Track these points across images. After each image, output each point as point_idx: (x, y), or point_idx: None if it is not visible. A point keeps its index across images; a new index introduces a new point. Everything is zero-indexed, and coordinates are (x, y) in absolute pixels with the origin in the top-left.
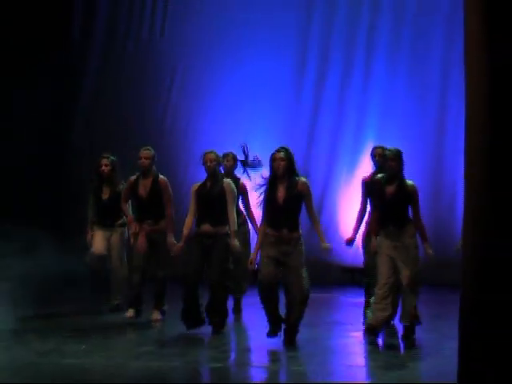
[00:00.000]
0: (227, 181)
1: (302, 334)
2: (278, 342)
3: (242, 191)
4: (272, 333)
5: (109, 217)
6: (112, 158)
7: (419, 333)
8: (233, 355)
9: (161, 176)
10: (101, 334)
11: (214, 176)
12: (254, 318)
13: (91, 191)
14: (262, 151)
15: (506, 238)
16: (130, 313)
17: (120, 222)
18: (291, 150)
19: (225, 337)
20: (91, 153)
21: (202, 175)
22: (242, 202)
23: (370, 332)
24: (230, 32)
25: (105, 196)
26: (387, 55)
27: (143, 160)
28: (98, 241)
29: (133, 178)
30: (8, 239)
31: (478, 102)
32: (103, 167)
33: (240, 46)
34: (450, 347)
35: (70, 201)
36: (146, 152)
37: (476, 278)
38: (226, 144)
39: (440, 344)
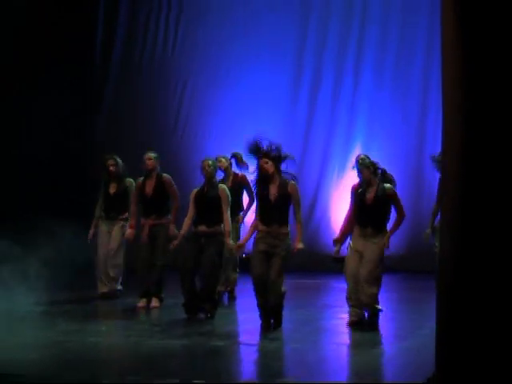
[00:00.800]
0: (223, 186)
1: (297, 316)
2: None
3: (245, 183)
4: (265, 327)
5: (114, 210)
6: (116, 157)
7: (402, 314)
8: (234, 335)
9: (164, 174)
10: (118, 316)
11: (210, 180)
12: (249, 303)
13: (101, 187)
14: None
15: (478, 231)
16: (143, 303)
17: (123, 216)
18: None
19: (225, 319)
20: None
21: None
22: (247, 192)
23: (355, 325)
24: (235, 48)
25: (112, 190)
26: (373, 69)
27: (147, 161)
28: (103, 238)
29: (140, 180)
30: (34, 229)
31: (453, 109)
32: (110, 167)
33: (243, 60)
34: (429, 326)
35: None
36: (150, 154)
37: (452, 266)
38: (228, 147)
39: (420, 324)
